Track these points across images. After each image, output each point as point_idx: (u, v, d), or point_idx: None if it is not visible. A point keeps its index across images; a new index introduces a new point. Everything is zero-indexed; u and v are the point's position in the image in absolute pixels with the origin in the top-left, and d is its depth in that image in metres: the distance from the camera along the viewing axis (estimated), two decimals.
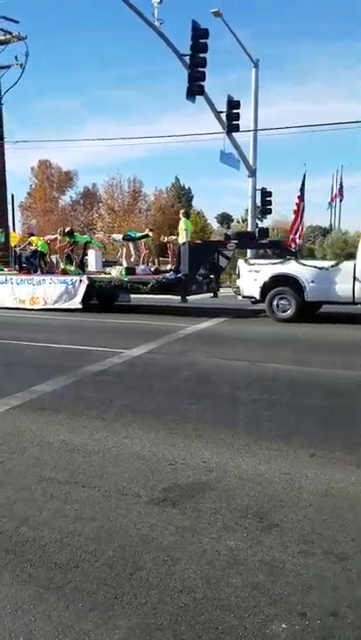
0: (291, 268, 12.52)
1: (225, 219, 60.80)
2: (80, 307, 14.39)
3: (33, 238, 18.10)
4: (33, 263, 17.23)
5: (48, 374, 6.74)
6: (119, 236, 17.46)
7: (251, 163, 21.16)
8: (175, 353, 8.62)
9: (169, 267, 16.22)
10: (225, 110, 19.13)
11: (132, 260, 16.47)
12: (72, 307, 14.47)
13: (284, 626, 2.23)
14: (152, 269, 15.93)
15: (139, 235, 17.09)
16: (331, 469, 3.84)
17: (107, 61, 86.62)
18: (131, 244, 16.72)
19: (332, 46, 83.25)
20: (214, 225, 62.96)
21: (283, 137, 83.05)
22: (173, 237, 16.79)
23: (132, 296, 15.71)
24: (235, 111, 19.20)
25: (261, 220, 25.39)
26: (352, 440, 4.44)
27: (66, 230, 16.84)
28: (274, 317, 12.54)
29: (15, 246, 21.57)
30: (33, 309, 14.94)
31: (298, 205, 15.27)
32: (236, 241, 14.82)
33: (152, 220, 52.17)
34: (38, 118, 79.65)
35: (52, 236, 18.45)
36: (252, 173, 21.26)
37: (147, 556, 2.72)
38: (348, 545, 2.85)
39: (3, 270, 18.60)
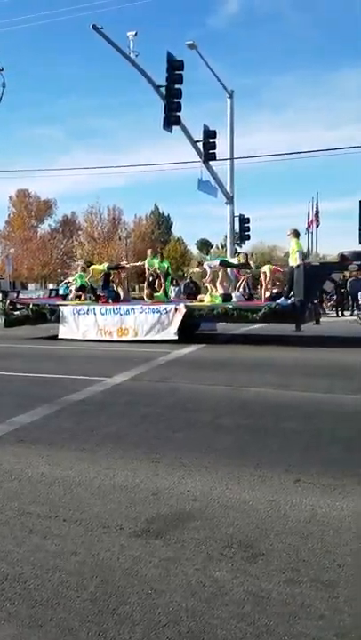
0: None
1: (204, 245, 61.47)
2: (175, 338, 13.08)
3: (94, 267, 16.78)
4: (111, 291, 15.77)
5: (27, 405, 6.63)
6: (215, 262, 15.51)
7: (228, 190, 21.55)
8: (157, 379, 8.58)
9: (268, 293, 14.56)
10: (202, 139, 19.53)
11: (225, 285, 14.88)
12: (166, 338, 13.21)
13: None
14: (246, 296, 14.93)
15: (237, 263, 15.64)
16: (315, 495, 3.82)
17: (86, 91, 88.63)
18: (226, 271, 15.29)
19: (304, 76, 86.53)
20: (194, 251, 63.60)
21: (260, 165, 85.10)
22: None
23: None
24: (211, 140, 19.63)
25: (240, 246, 25.75)
26: (336, 464, 4.43)
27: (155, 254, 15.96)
28: None
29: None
30: (121, 341, 13.62)
31: None
32: (358, 262, 13.08)
33: (132, 247, 52.59)
34: (17, 147, 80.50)
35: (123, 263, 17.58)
36: (230, 200, 21.64)
37: (130, 590, 2.66)
38: (335, 572, 2.82)
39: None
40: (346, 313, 24.34)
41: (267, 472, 4.27)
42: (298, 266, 12.94)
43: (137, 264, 17.63)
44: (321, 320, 15.96)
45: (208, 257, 16.72)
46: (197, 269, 16.92)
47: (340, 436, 5.29)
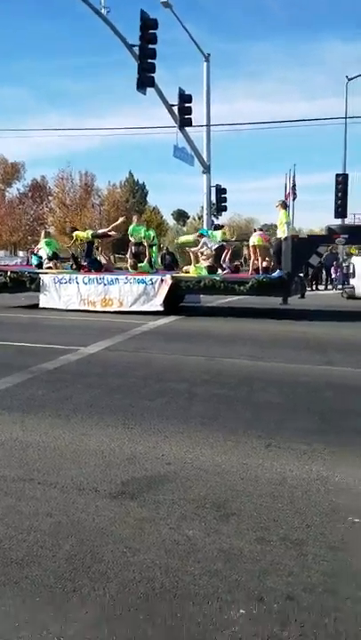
0: None
1: (181, 216, 60.89)
2: (161, 309, 12.97)
3: (78, 233, 16.09)
4: (94, 261, 15.14)
5: (0, 373, 6.57)
6: (214, 245, 14.66)
7: (205, 158, 21.24)
8: (132, 350, 8.58)
9: (260, 265, 14.07)
10: (177, 104, 19.08)
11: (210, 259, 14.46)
12: (151, 309, 13.04)
13: (242, 611, 2.26)
14: (232, 268, 14.51)
15: (219, 238, 14.94)
16: (286, 459, 3.92)
17: (54, 52, 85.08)
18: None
19: (284, 46, 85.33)
20: (170, 221, 62.94)
21: (237, 135, 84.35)
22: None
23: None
24: (186, 105, 19.17)
25: (217, 218, 25.63)
26: (306, 431, 4.54)
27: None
28: None
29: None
30: (106, 312, 13.28)
31: None
32: (346, 235, 12.98)
33: (106, 215, 51.59)
34: None
35: (106, 230, 16.49)
36: (207, 169, 21.35)
37: (105, 549, 2.71)
38: (304, 531, 2.91)
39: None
40: (320, 287, 24.65)
41: (240, 438, 4.36)
42: (286, 238, 12.81)
43: (117, 223, 16.82)
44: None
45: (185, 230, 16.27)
46: (191, 238, 16.41)
47: (311, 405, 5.40)
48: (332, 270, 24.49)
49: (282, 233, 13.12)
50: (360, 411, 5.22)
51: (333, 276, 24.54)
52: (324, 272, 24.93)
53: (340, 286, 23.24)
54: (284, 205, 13.76)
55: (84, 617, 2.22)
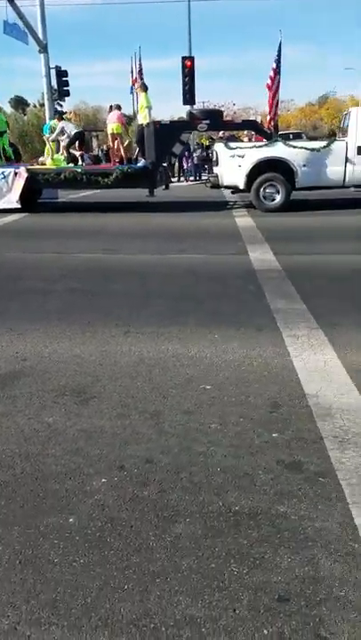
0: (280, 150, 11.27)
1: (20, 103, 55.04)
2: (18, 206, 11.81)
3: None
4: None
5: None
6: (73, 130, 13.47)
7: (40, 36, 19.06)
8: None
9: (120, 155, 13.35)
10: None
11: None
12: (6, 207, 11.81)
13: (104, 480, 2.38)
14: (92, 159, 13.43)
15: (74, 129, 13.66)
16: (143, 343, 4.03)
17: None
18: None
19: None
20: (8, 110, 56.87)
21: (75, 12, 76.36)
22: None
23: None
24: None
25: (61, 105, 23.61)
26: (163, 316, 4.67)
27: None
28: (262, 208, 11.33)
29: None
30: None
31: (272, 80, 13.03)
32: (207, 121, 12.45)
33: None
34: None
35: None
36: (44, 49, 19.22)
37: None
38: (160, 403, 3.08)
39: None
40: (173, 179, 24.53)
41: (98, 328, 4.37)
42: (148, 124, 12.08)
43: None
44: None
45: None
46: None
47: (167, 292, 5.52)
48: (184, 161, 24.38)
49: (143, 119, 12.34)
50: (213, 294, 5.44)
51: (185, 166, 24.47)
52: (176, 163, 24.70)
53: (191, 177, 23.38)
54: (145, 87, 12.84)
55: None
